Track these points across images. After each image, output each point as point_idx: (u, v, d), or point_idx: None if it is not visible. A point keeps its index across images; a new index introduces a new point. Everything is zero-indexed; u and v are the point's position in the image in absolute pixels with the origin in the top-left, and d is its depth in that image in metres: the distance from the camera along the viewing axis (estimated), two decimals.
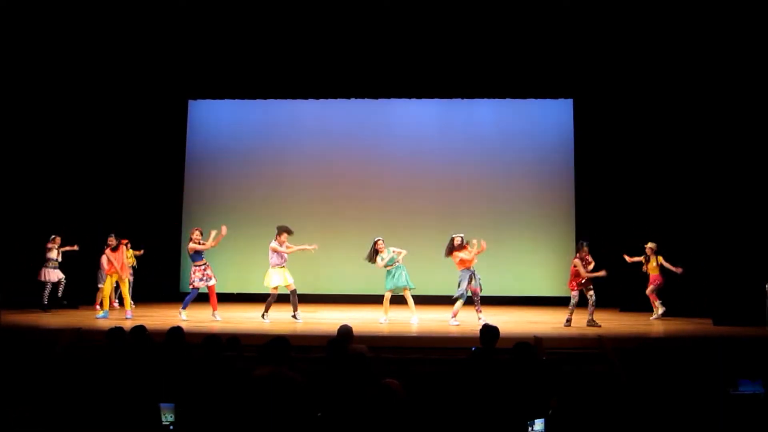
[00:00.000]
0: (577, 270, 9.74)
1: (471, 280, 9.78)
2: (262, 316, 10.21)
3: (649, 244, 10.87)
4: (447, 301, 13.21)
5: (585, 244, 9.96)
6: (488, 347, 5.18)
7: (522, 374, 4.39)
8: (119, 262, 10.52)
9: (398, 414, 3.76)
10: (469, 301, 9.88)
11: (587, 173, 13.90)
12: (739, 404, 4.11)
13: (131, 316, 10.13)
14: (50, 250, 11.55)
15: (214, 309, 10.34)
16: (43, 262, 11.54)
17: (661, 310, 10.68)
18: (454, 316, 9.83)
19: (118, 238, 10.76)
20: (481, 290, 9.91)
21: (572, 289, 9.86)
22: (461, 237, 10.05)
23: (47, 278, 11.47)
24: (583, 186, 13.97)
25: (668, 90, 12.03)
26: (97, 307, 11.34)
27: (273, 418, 3.80)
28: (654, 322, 10.48)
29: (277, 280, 10.27)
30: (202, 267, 10.35)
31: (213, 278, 10.39)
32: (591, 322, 9.57)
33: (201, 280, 10.25)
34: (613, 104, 13.29)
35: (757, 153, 10.26)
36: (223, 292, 13.89)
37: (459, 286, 9.85)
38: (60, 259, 11.64)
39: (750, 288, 9.82)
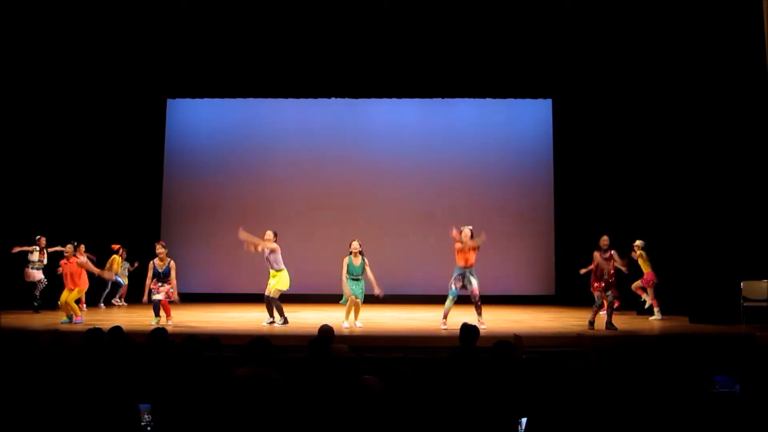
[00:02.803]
0: (599, 268, 9.28)
1: (462, 280, 9.21)
2: (284, 320, 9.73)
3: (637, 242, 10.85)
4: (426, 300, 13.31)
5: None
6: (468, 346, 5.20)
7: (501, 373, 4.41)
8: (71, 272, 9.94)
9: (376, 410, 3.77)
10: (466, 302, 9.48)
11: (566, 172, 14.04)
12: (715, 402, 4.17)
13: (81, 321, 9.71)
14: (32, 252, 11.43)
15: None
16: (26, 263, 11.46)
17: (658, 315, 10.59)
18: (445, 317, 9.20)
19: (77, 246, 10.41)
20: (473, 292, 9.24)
21: (595, 291, 9.34)
22: (469, 229, 9.29)
23: (31, 278, 11.41)
24: (562, 185, 14.12)
25: (646, 90, 12.16)
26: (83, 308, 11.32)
27: (254, 418, 3.79)
28: (638, 320, 10.50)
29: None
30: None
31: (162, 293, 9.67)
32: (610, 325, 9.23)
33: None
34: (592, 104, 13.45)
35: (734, 153, 10.38)
36: (201, 293, 13.88)
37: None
38: (45, 260, 11.52)
39: (726, 286, 9.96)
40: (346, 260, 9.53)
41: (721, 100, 10.52)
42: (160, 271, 9.66)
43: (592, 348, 5.45)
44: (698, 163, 11.00)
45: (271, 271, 9.87)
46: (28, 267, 11.45)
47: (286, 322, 9.70)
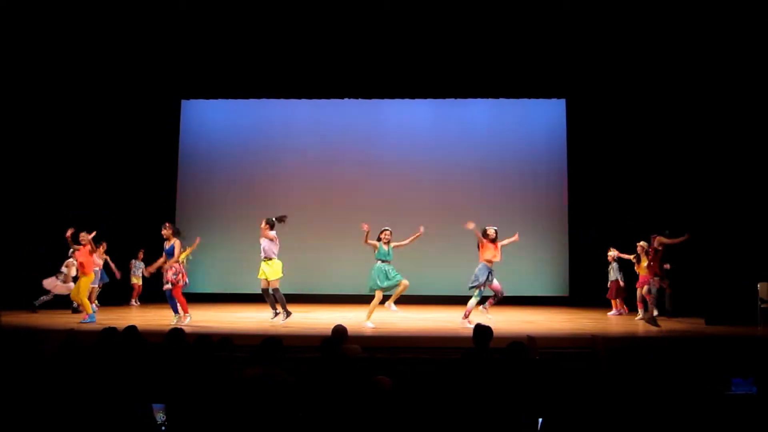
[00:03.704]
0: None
1: (489, 277, 9.18)
2: (287, 314, 9.58)
3: (641, 243, 10.79)
4: (439, 300, 13.29)
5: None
6: (481, 347, 5.17)
7: (514, 374, 4.38)
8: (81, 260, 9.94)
9: (388, 410, 3.75)
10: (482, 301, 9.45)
11: (579, 172, 13.96)
12: (731, 404, 4.12)
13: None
14: (69, 266, 11.19)
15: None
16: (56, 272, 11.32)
17: (655, 312, 10.50)
18: (467, 316, 9.17)
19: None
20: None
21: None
22: (494, 229, 9.37)
23: (56, 291, 11.23)
24: (576, 185, 14.03)
25: (660, 90, 12.08)
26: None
27: (264, 418, 3.78)
28: (640, 321, 10.43)
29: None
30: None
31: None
32: (652, 320, 9.49)
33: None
34: (606, 104, 13.36)
35: (751, 153, 10.28)
36: (215, 293, 13.95)
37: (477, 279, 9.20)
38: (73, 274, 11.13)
39: (742, 288, 9.85)
40: (377, 243, 9.44)
41: (738, 101, 10.43)
42: (165, 248, 9.46)
43: (604, 349, 5.40)
44: (715, 163, 10.91)
45: (264, 260, 9.73)
46: (58, 279, 11.22)
47: (289, 314, 9.54)
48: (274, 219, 9.96)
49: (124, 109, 13.74)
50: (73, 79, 12.76)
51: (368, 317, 9.26)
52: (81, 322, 9.31)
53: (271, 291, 9.72)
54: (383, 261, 9.38)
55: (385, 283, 9.26)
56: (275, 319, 9.64)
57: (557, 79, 13.73)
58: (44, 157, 12.50)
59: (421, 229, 9.48)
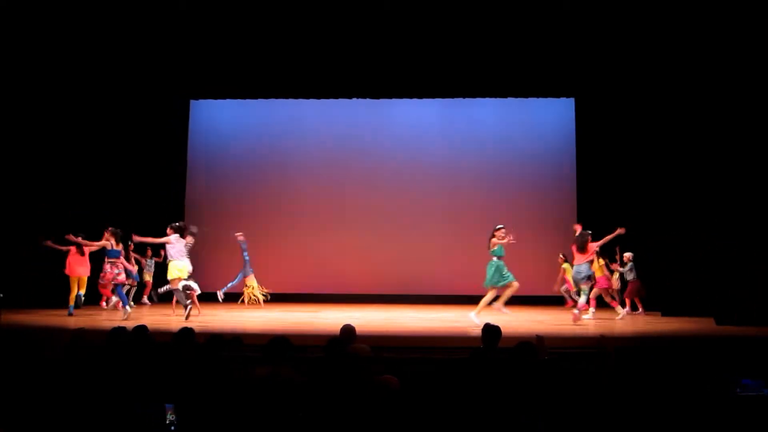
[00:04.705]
0: None
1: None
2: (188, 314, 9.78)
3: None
4: (447, 300, 13.27)
5: None
6: (489, 347, 5.17)
7: (523, 374, 4.37)
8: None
9: (395, 410, 3.75)
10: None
11: (589, 172, 13.91)
12: (742, 405, 4.09)
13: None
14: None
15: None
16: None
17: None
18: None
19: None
20: None
21: None
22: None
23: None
24: (585, 185, 13.99)
25: (669, 88, 11.99)
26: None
27: (272, 417, 3.79)
28: (663, 321, 10.39)
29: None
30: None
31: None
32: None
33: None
34: (615, 103, 13.27)
35: (762, 152, 10.23)
36: (228, 292, 13.98)
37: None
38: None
39: (753, 287, 9.80)
40: (496, 241, 9.50)
41: (748, 99, 10.37)
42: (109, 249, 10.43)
43: (613, 349, 5.38)
44: (726, 162, 10.85)
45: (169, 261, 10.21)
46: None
47: (189, 315, 9.65)
48: (178, 224, 10.44)
49: (133, 109, 13.78)
50: (81, 80, 12.81)
51: (478, 313, 9.31)
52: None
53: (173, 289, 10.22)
54: (499, 257, 9.45)
55: (500, 282, 9.37)
56: (184, 314, 9.71)
57: (566, 78, 13.68)
58: (53, 157, 12.54)
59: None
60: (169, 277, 10.13)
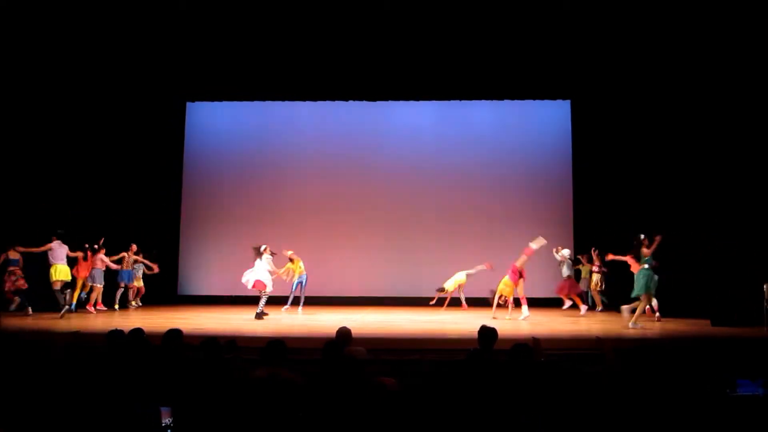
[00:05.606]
0: None
1: None
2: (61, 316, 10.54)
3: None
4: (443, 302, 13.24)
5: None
6: (486, 349, 5.17)
7: (519, 376, 4.38)
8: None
9: (392, 411, 3.75)
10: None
11: (585, 174, 13.93)
12: (738, 405, 4.10)
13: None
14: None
15: None
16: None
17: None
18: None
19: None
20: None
21: None
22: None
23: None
24: (581, 186, 14.00)
25: (666, 91, 12.03)
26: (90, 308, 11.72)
27: (270, 419, 3.79)
28: (659, 323, 10.39)
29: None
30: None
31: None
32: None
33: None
34: (611, 105, 13.30)
35: (757, 155, 10.25)
36: (220, 295, 13.99)
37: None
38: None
39: (748, 289, 9.81)
40: (647, 251, 9.73)
41: (745, 102, 10.40)
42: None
43: (612, 350, 5.39)
44: (721, 164, 10.87)
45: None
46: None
47: (67, 312, 10.70)
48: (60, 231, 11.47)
49: (130, 111, 13.76)
50: (78, 82, 12.79)
51: (635, 320, 9.48)
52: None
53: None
54: (649, 266, 9.73)
55: (653, 289, 9.69)
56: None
57: (562, 80, 13.71)
58: (50, 158, 12.51)
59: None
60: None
